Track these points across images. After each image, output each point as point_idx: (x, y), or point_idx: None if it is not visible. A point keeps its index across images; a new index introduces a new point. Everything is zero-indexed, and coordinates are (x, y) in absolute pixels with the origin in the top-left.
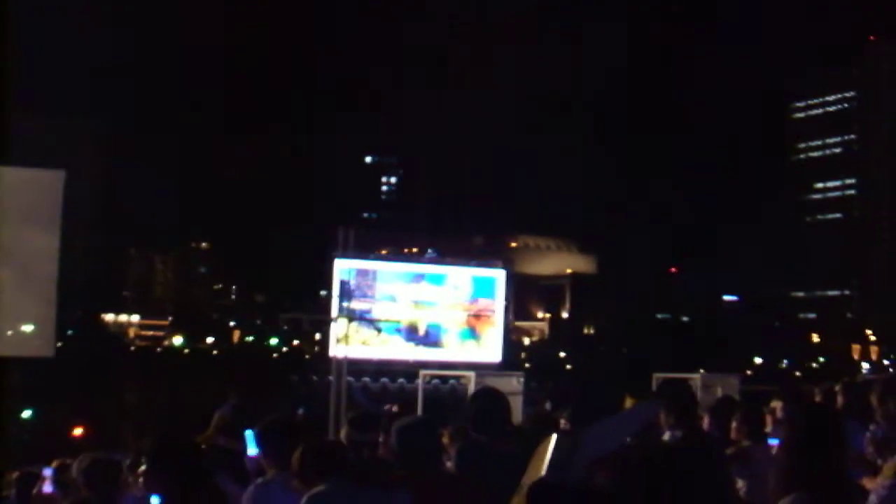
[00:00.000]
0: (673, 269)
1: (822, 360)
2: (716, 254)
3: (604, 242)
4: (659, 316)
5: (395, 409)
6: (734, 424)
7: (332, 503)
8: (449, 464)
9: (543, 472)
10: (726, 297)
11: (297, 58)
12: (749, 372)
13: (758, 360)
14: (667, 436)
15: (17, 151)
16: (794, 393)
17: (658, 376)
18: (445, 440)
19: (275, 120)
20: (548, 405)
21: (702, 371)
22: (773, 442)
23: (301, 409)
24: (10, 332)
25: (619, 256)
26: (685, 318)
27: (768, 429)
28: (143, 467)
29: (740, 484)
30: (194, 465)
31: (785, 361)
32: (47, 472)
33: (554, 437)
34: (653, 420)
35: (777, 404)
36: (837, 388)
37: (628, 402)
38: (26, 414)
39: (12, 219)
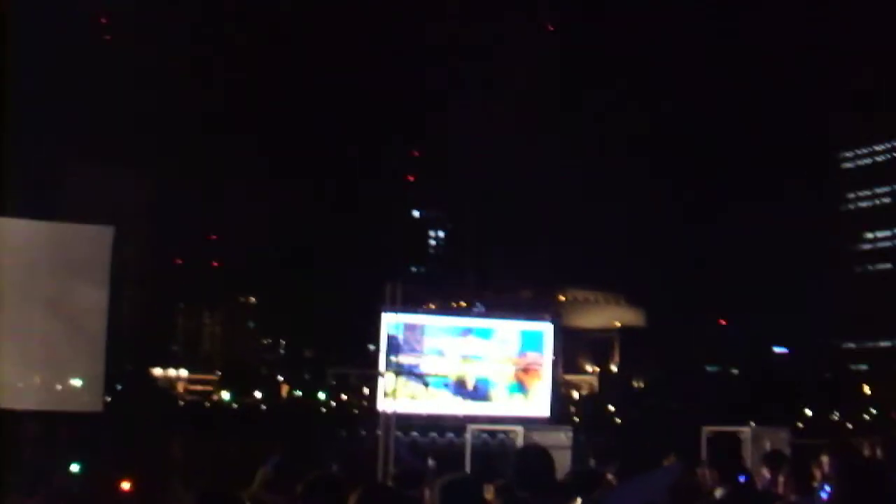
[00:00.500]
0: (722, 321)
1: (873, 411)
2: (765, 305)
3: (652, 294)
4: (708, 368)
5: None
6: (782, 479)
7: None
8: None
9: None
10: (776, 349)
11: (343, 111)
12: (800, 424)
13: (808, 413)
14: (718, 492)
15: (66, 204)
16: (841, 447)
17: (708, 430)
18: (490, 496)
19: (322, 174)
20: (592, 461)
21: (752, 424)
22: (823, 495)
23: (334, 465)
24: (59, 387)
25: (668, 308)
26: (735, 371)
27: (816, 483)
28: None
29: None
30: None
31: (836, 414)
32: None
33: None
34: (677, 481)
35: (825, 458)
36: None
37: (671, 460)
38: (75, 468)
39: (62, 274)
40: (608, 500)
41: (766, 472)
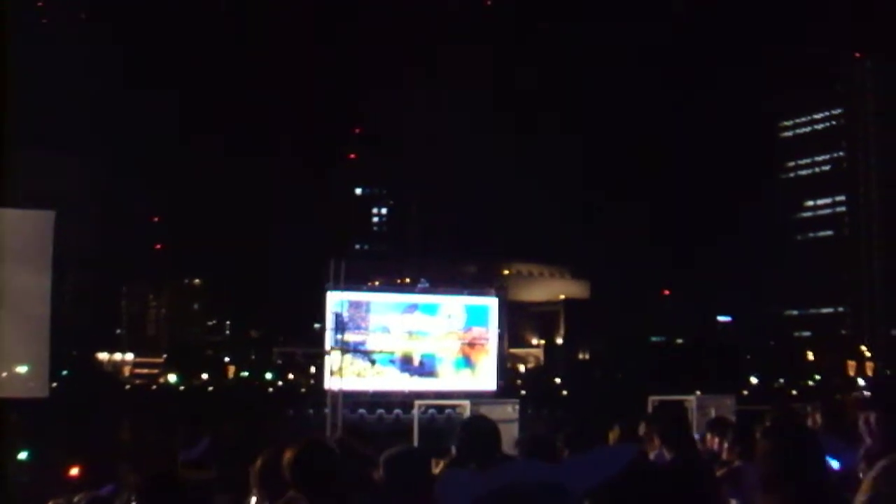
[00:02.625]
0: (665, 292)
1: (817, 377)
2: (708, 275)
3: (595, 267)
4: (653, 339)
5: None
6: (726, 445)
7: None
8: None
9: None
10: (720, 318)
11: (286, 91)
12: (745, 392)
13: (753, 380)
14: (652, 456)
15: (6, 190)
16: (784, 411)
17: (653, 399)
18: (438, 469)
19: (264, 154)
20: (542, 430)
21: (698, 393)
22: None
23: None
24: (4, 374)
25: (612, 280)
26: (679, 341)
27: None
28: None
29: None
30: (181, 501)
31: (780, 380)
32: None
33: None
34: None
35: (769, 424)
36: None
37: (613, 435)
38: (22, 455)
39: (3, 260)
40: (567, 466)
41: (712, 439)
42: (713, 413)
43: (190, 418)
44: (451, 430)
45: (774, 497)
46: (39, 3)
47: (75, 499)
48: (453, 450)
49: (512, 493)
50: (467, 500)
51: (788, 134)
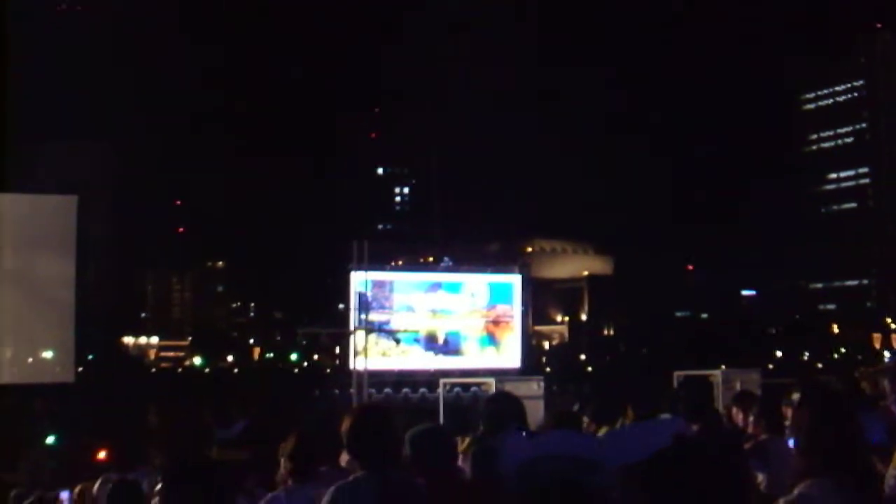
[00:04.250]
0: (689, 267)
1: (843, 350)
2: (732, 249)
3: (619, 243)
4: (678, 314)
5: None
6: (752, 418)
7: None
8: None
9: None
10: (744, 292)
11: (307, 73)
12: (770, 366)
13: (779, 354)
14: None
15: (29, 178)
16: (811, 384)
17: (679, 374)
18: (463, 448)
19: (285, 136)
20: (576, 407)
21: (723, 367)
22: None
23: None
24: (30, 360)
25: (635, 256)
26: (704, 315)
27: (787, 421)
28: (158, 486)
29: (760, 478)
30: (209, 483)
31: (806, 354)
32: (64, 495)
33: None
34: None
35: (796, 396)
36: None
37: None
38: (50, 439)
39: (27, 245)
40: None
41: (737, 413)
42: (738, 387)
43: (222, 400)
44: (477, 407)
45: (811, 462)
46: None
47: (100, 480)
48: (480, 428)
49: (553, 464)
50: (514, 463)
51: (811, 106)
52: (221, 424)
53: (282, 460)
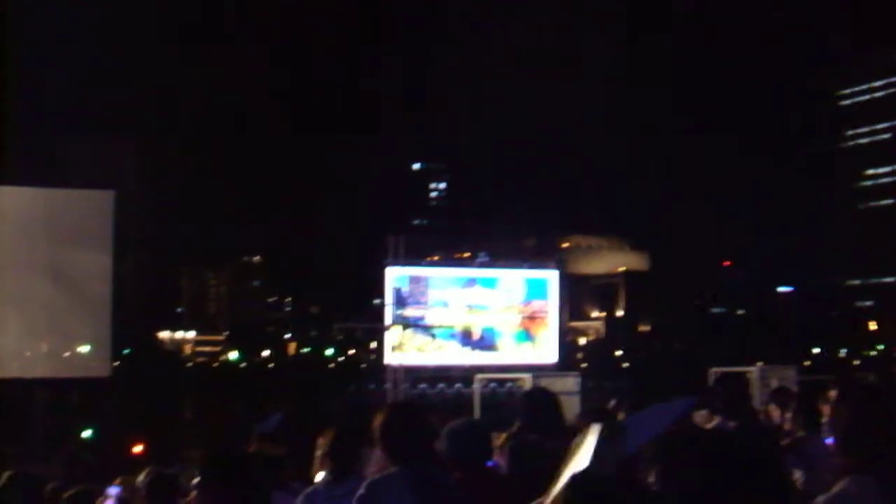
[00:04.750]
0: (726, 263)
1: (880, 347)
2: (768, 245)
3: (655, 238)
4: (714, 310)
5: None
6: (789, 415)
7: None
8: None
9: (586, 462)
10: (781, 289)
11: (342, 69)
12: (807, 363)
13: (815, 351)
14: (712, 424)
15: (67, 172)
16: (849, 381)
17: (715, 371)
18: (499, 443)
19: (321, 131)
20: (612, 403)
21: (759, 364)
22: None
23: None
24: (67, 354)
25: (672, 252)
26: (740, 312)
27: (825, 419)
28: (196, 480)
29: (797, 475)
30: (245, 476)
31: (842, 351)
32: (112, 490)
33: (597, 426)
34: (688, 415)
35: (833, 393)
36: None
37: None
38: (87, 433)
39: (64, 240)
40: (629, 426)
41: (774, 410)
42: (775, 384)
43: (258, 395)
44: (512, 403)
45: (851, 460)
46: None
47: (140, 476)
48: (516, 423)
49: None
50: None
51: (847, 102)
52: (257, 419)
53: (318, 455)
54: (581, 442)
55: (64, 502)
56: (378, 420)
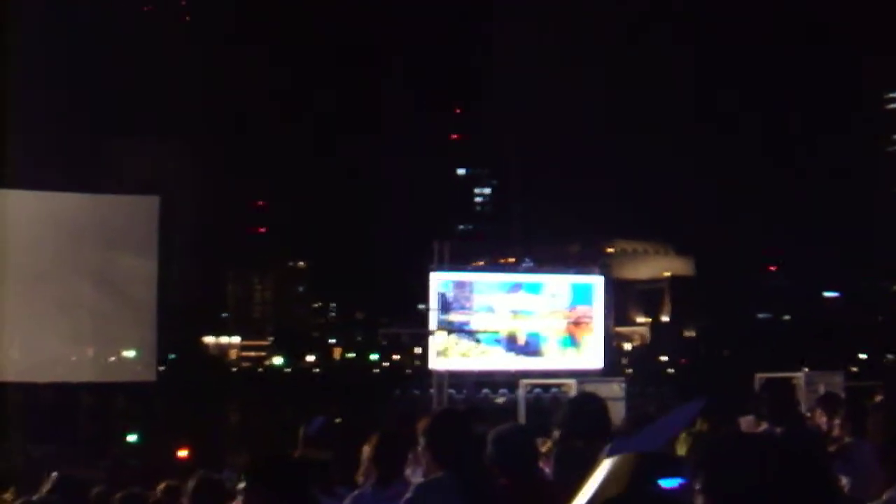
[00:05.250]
0: (772, 268)
1: None
2: (815, 250)
3: (701, 243)
4: (760, 315)
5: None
6: (837, 421)
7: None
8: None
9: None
10: (827, 294)
11: (386, 73)
12: (854, 369)
13: (862, 356)
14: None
15: (111, 178)
16: (894, 386)
17: (760, 376)
18: (545, 449)
19: (366, 136)
20: (651, 408)
21: (805, 369)
22: None
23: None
24: (112, 359)
25: (717, 257)
26: (786, 317)
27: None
28: (241, 485)
29: (844, 481)
30: (291, 480)
31: (889, 356)
32: None
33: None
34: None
35: (879, 398)
36: None
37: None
38: (132, 437)
39: (109, 246)
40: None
41: (820, 416)
42: (821, 390)
43: (305, 399)
44: (557, 408)
45: (889, 468)
46: None
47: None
48: (554, 432)
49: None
50: None
51: (894, 106)
52: (303, 423)
53: (363, 460)
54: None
55: (194, 489)
56: (425, 425)
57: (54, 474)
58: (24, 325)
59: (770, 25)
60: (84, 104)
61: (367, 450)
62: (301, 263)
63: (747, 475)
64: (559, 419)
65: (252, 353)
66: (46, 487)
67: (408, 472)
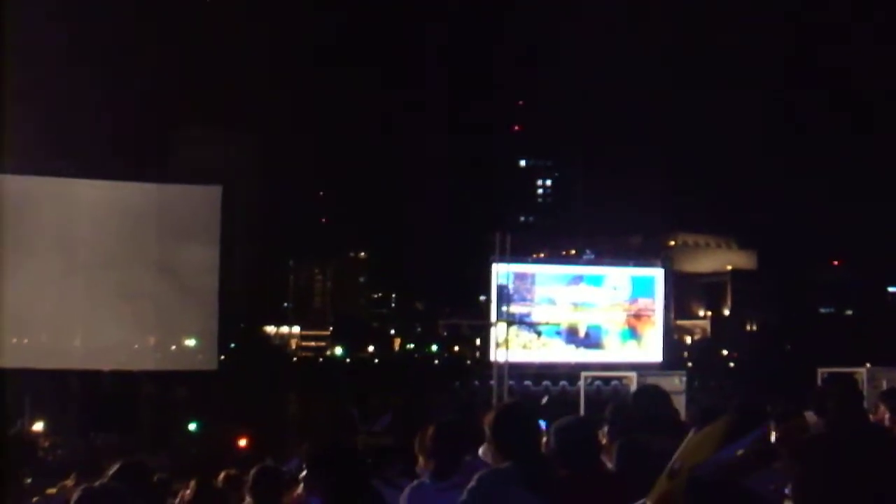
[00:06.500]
0: (835, 262)
1: None
2: (879, 244)
3: (763, 237)
4: (822, 310)
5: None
6: None
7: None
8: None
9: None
10: (891, 289)
11: (449, 66)
12: None
13: None
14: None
15: (175, 167)
16: None
17: (823, 371)
18: (605, 441)
19: (428, 127)
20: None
21: (868, 365)
22: None
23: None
24: (173, 347)
25: (780, 250)
26: (849, 312)
27: None
28: (303, 473)
29: None
30: (351, 468)
31: None
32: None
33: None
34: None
35: None
36: None
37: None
38: (192, 426)
39: (172, 235)
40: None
41: (884, 412)
42: (884, 385)
43: (365, 390)
44: (618, 401)
45: None
46: None
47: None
48: (604, 430)
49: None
50: None
51: None
52: (363, 415)
53: (421, 450)
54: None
55: (253, 478)
56: (489, 417)
57: (118, 461)
58: (86, 313)
59: (838, 20)
60: (150, 95)
61: (424, 441)
62: (362, 254)
63: (829, 473)
64: (612, 412)
65: (312, 343)
66: (111, 473)
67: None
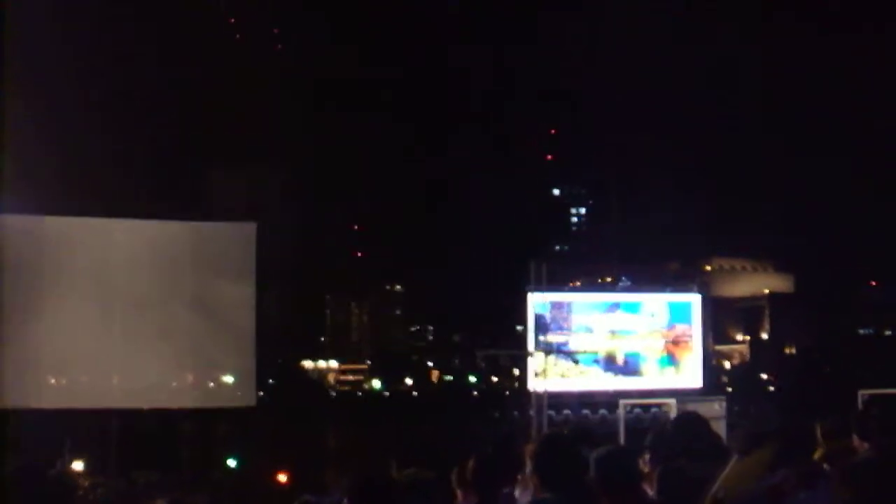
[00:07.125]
0: (873, 283)
1: None
2: None
3: (800, 260)
4: (861, 331)
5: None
6: None
7: None
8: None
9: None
10: None
11: (481, 93)
12: None
13: None
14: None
15: (209, 204)
16: None
17: (863, 393)
18: (645, 468)
19: (460, 157)
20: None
21: None
22: None
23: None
24: (211, 384)
25: (817, 273)
26: (888, 332)
27: None
28: None
29: None
30: (391, 501)
31: None
32: None
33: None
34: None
35: None
36: None
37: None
38: (232, 463)
39: (208, 272)
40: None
41: None
42: None
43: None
44: (657, 428)
45: None
46: (231, 20)
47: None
48: (645, 458)
49: None
50: None
51: None
52: (402, 446)
53: (459, 484)
54: (740, 468)
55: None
56: (532, 449)
57: (161, 500)
58: (124, 352)
59: (871, 39)
60: (182, 132)
61: (464, 475)
62: (398, 287)
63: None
64: (653, 439)
65: (350, 377)
66: None
67: (516, 493)
